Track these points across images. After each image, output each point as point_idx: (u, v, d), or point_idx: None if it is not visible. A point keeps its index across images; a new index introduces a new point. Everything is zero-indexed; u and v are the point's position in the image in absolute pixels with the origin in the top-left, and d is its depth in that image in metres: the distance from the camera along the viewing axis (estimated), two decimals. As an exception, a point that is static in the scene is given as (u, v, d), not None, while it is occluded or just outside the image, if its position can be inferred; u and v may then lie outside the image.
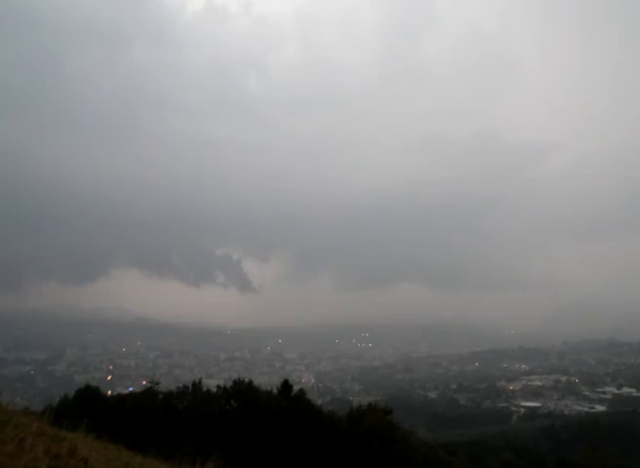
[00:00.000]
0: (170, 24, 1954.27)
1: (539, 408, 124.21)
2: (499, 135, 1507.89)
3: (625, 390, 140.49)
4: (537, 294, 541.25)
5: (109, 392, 58.40)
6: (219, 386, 29.92)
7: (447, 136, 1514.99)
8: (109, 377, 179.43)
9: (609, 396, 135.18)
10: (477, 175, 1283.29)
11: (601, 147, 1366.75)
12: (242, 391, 28.38)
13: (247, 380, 29.73)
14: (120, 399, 29.27)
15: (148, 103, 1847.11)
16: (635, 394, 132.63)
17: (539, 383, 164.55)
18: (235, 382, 29.45)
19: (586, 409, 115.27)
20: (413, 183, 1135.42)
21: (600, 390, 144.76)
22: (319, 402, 76.36)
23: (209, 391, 29.60)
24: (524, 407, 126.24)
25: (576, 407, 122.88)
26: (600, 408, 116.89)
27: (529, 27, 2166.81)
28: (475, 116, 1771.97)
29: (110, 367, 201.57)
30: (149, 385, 29.14)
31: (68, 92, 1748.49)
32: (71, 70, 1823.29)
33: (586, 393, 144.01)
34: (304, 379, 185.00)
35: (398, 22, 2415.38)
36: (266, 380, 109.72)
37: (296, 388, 30.46)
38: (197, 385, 29.53)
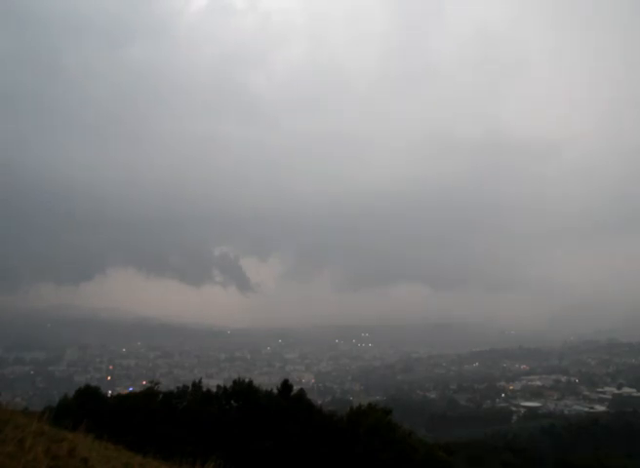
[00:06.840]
0: (173, 21, 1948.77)
1: (539, 408, 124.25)
2: (501, 133, 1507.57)
3: (625, 390, 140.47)
4: (537, 294, 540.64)
5: (109, 392, 58.49)
6: (219, 386, 29.96)
7: (450, 134, 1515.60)
8: (109, 377, 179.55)
9: (609, 396, 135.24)
10: (478, 173, 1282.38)
11: (605, 147, 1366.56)
12: (242, 391, 28.39)
13: (247, 380, 29.74)
14: (120, 399, 29.26)
15: (149, 101, 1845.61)
16: (635, 394, 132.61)
17: (539, 383, 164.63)
18: (235, 382, 29.46)
19: (586, 409, 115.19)
20: (414, 183, 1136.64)
21: (600, 390, 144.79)
22: (319, 402, 76.20)
23: (209, 391, 29.63)
24: (524, 407, 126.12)
25: (576, 407, 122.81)
26: (600, 408, 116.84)
27: (537, 25, 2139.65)
28: (482, 114, 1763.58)
29: (110, 367, 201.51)
30: (149, 385, 29.17)
31: (67, 89, 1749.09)
32: (71, 67, 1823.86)
33: (586, 393, 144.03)
34: (304, 379, 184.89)
35: (405, 21, 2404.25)
36: (266, 380, 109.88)
37: (296, 388, 30.46)
38: (197, 385, 29.58)
